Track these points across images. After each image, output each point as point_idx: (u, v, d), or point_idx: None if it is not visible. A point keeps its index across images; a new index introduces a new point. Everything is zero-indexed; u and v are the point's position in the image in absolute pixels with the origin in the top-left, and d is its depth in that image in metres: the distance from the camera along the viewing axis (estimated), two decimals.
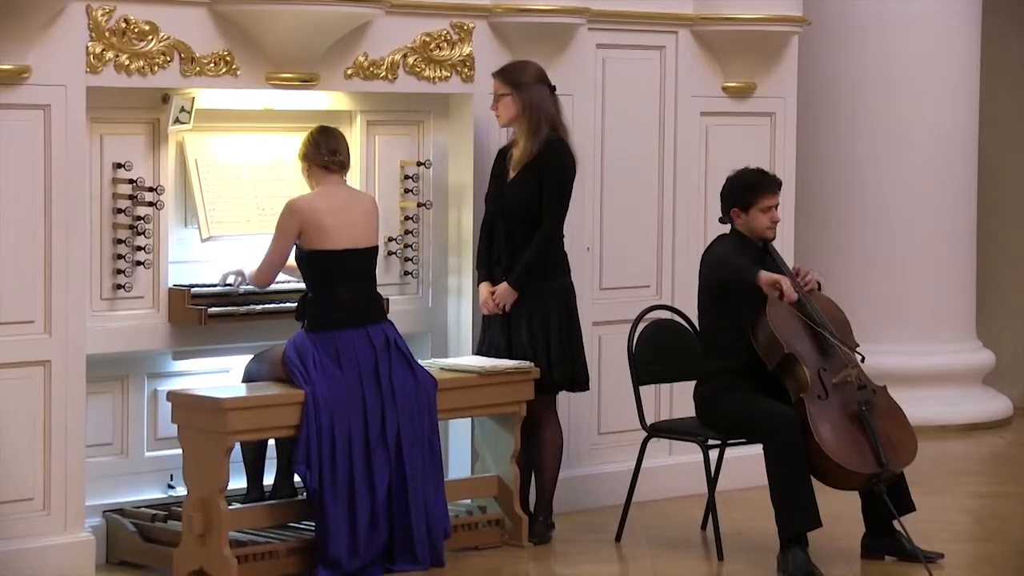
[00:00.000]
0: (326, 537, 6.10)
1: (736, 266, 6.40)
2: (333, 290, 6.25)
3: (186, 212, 6.53)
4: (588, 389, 6.86)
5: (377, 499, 6.18)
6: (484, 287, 6.72)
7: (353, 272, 6.28)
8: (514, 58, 6.95)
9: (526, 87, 6.61)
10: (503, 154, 6.77)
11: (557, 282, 6.70)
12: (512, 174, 6.66)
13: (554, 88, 6.71)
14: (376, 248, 6.42)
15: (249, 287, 6.46)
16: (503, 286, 6.63)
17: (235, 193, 6.59)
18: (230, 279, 6.46)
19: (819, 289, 6.60)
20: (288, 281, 6.50)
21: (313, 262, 6.25)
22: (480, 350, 6.81)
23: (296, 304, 6.34)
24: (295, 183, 6.63)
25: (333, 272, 6.24)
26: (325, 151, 6.32)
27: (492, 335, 6.74)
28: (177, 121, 6.36)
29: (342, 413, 6.16)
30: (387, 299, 6.65)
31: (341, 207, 6.29)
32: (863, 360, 6.43)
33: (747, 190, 6.50)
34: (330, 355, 6.20)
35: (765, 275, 6.33)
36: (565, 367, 6.71)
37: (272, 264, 6.30)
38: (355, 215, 6.30)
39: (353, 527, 6.14)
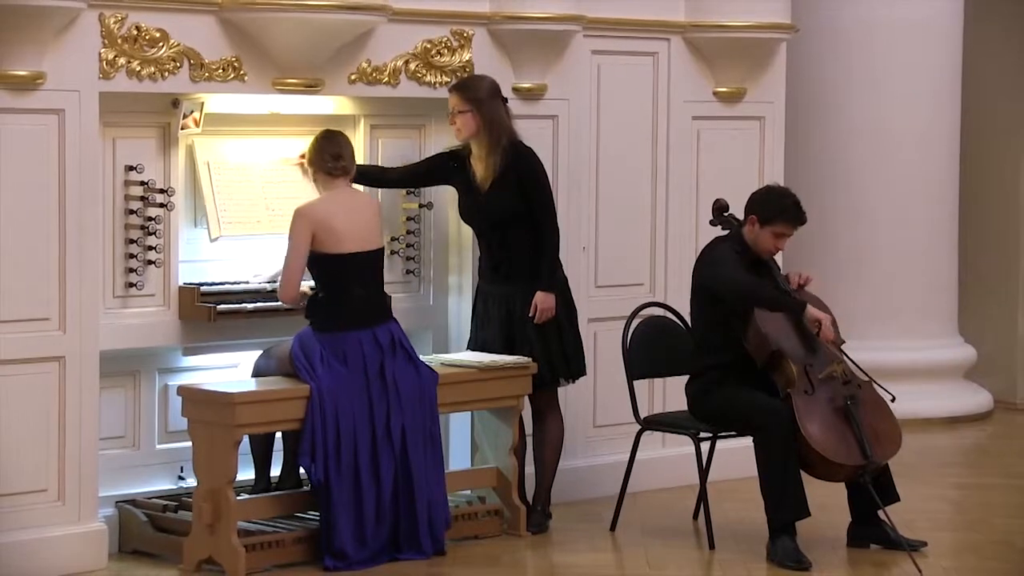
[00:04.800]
0: (332, 529, 6.15)
1: (781, 293, 6.43)
2: (343, 292, 6.28)
3: (196, 213, 6.57)
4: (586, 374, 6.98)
5: (383, 494, 6.23)
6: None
7: (362, 274, 6.32)
8: (512, 64, 7.03)
9: (484, 103, 6.62)
10: (458, 159, 6.73)
11: (556, 278, 6.76)
12: (484, 188, 6.67)
13: (506, 99, 6.75)
14: (382, 250, 6.45)
15: (257, 286, 6.53)
16: (540, 296, 6.64)
17: (246, 194, 6.63)
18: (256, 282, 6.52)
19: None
20: None
21: (324, 265, 6.28)
22: (475, 347, 6.84)
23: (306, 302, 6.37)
24: (302, 185, 6.70)
25: (343, 275, 6.28)
26: (328, 157, 6.35)
27: (490, 332, 6.79)
28: (186, 126, 6.42)
29: (347, 409, 6.21)
30: (389, 297, 6.77)
31: (347, 211, 6.31)
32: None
33: (775, 209, 6.49)
34: (336, 356, 6.24)
35: (812, 310, 6.39)
36: (579, 356, 6.79)
37: (293, 273, 6.26)
38: (361, 218, 6.34)
39: (359, 520, 6.19)
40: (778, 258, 6.87)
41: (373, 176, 6.72)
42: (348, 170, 6.42)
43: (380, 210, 6.51)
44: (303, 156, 6.68)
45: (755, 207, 6.56)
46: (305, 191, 6.68)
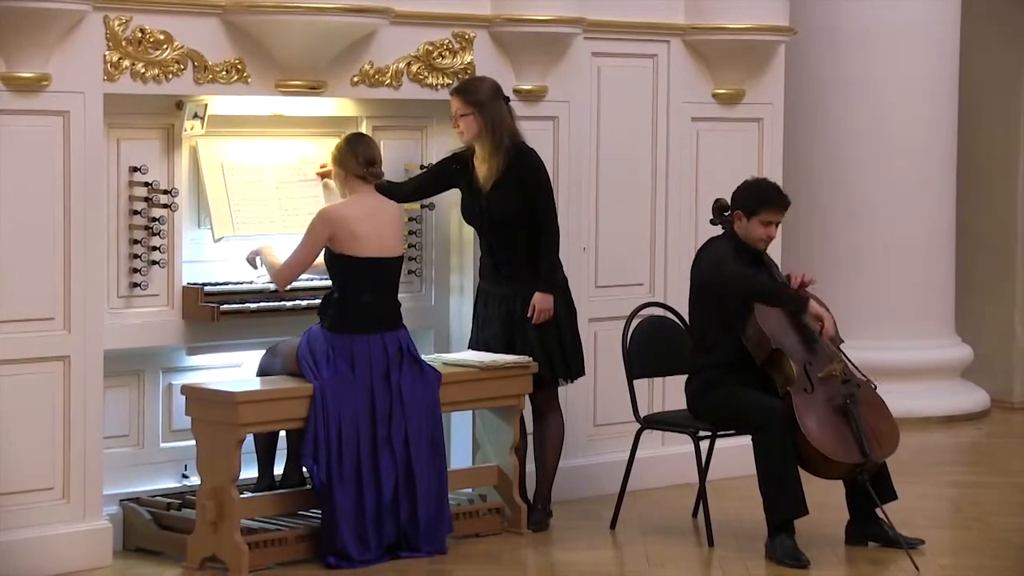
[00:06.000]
0: (334, 530, 6.18)
1: (783, 288, 6.45)
2: (358, 295, 6.31)
3: (199, 213, 6.59)
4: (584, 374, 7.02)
5: (383, 498, 6.26)
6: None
7: (379, 280, 6.35)
8: (513, 66, 7.07)
9: (486, 105, 6.65)
10: (460, 160, 6.79)
11: (555, 278, 6.81)
12: (487, 189, 6.71)
13: (508, 99, 6.80)
14: (401, 258, 6.48)
15: (260, 285, 6.56)
16: (538, 296, 6.69)
17: (259, 195, 6.66)
18: (250, 258, 6.55)
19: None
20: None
21: (342, 266, 6.32)
22: (476, 347, 6.87)
23: (320, 300, 6.40)
24: (316, 186, 6.75)
25: (360, 278, 6.31)
26: (362, 161, 6.38)
27: (490, 332, 6.82)
28: (187, 128, 6.44)
29: (350, 411, 6.24)
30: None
31: (372, 216, 6.35)
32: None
33: (757, 199, 6.55)
34: (344, 358, 6.27)
35: (815, 306, 6.41)
36: (579, 356, 6.83)
37: (297, 266, 6.35)
38: (384, 225, 6.38)
39: (361, 522, 6.22)
40: (777, 259, 6.91)
41: (385, 192, 6.75)
42: (379, 176, 6.48)
43: (401, 218, 6.54)
44: (323, 165, 6.75)
45: (738, 202, 6.62)
46: (318, 191, 6.73)
